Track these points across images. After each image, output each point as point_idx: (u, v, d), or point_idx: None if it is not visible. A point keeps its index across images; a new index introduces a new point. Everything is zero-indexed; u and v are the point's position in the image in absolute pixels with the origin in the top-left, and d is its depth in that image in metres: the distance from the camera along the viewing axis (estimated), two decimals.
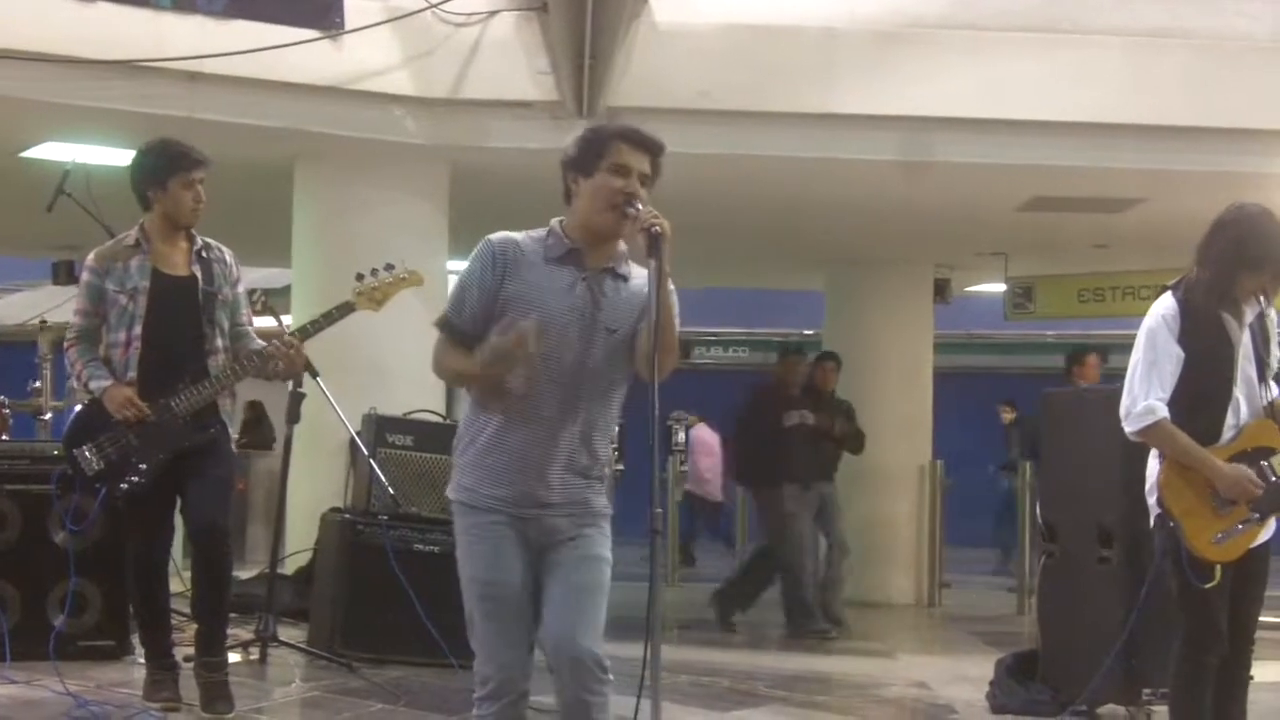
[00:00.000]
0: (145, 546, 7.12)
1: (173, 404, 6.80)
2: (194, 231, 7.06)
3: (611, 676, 4.57)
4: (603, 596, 4.66)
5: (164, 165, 6.96)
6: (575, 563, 4.63)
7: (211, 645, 7.03)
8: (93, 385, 6.86)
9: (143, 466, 6.82)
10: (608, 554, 4.71)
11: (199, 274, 6.97)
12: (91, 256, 7.03)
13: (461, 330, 4.66)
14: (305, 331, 7.07)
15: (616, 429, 4.84)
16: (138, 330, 6.86)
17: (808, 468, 12.38)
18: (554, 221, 4.73)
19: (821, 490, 12.53)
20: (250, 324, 7.16)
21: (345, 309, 7.09)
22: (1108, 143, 10.66)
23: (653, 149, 4.67)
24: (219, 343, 6.97)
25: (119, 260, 6.94)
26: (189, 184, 6.93)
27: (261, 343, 7.07)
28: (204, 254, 7.03)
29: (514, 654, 4.57)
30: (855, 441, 12.95)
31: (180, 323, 6.92)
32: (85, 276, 7.00)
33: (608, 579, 4.69)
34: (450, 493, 4.76)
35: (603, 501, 4.75)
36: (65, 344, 7.01)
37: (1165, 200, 11.69)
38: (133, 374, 6.85)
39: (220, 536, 6.94)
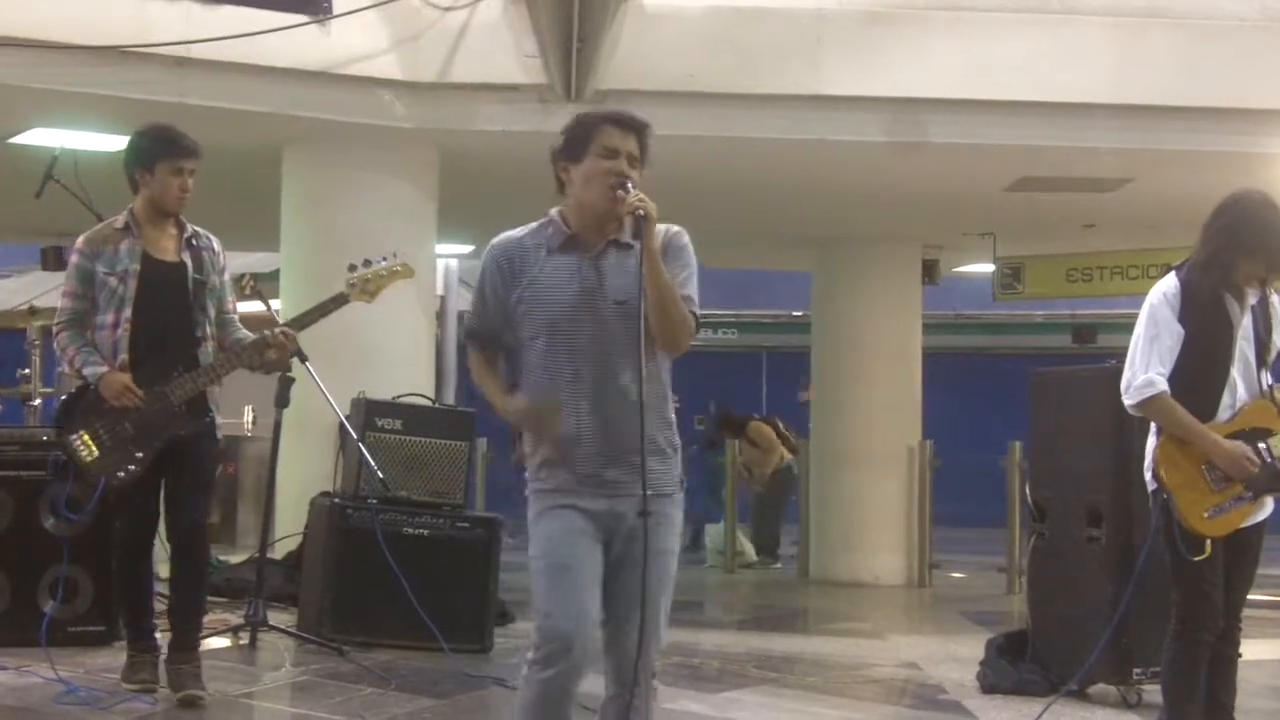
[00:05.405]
0: (132, 527, 7.13)
1: (168, 392, 6.83)
2: (184, 219, 7.08)
3: (658, 683, 4.70)
4: (665, 596, 4.69)
5: (153, 150, 6.97)
6: (637, 563, 4.56)
7: (187, 641, 7.06)
8: (87, 371, 6.86)
9: (139, 455, 6.84)
10: (672, 544, 4.72)
11: (189, 261, 7.01)
12: (81, 239, 7.03)
13: (486, 334, 4.77)
14: (299, 323, 7.15)
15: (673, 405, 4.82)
16: (127, 313, 6.87)
17: None
18: (553, 211, 4.74)
19: None
20: (235, 312, 7.20)
21: (339, 300, 7.17)
22: (1095, 123, 10.65)
23: (639, 129, 4.69)
24: (208, 330, 7.03)
25: (109, 243, 6.95)
26: (177, 171, 6.93)
27: (246, 332, 7.13)
28: (194, 241, 7.06)
29: (568, 624, 4.55)
30: None
31: (170, 308, 6.95)
32: (74, 259, 7.01)
33: (672, 571, 4.71)
34: (528, 489, 4.77)
35: (670, 479, 4.73)
36: (55, 328, 7.01)
37: (1153, 180, 11.68)
38: (124, 356, 6.85)
39: (201, 536, 7.15)
